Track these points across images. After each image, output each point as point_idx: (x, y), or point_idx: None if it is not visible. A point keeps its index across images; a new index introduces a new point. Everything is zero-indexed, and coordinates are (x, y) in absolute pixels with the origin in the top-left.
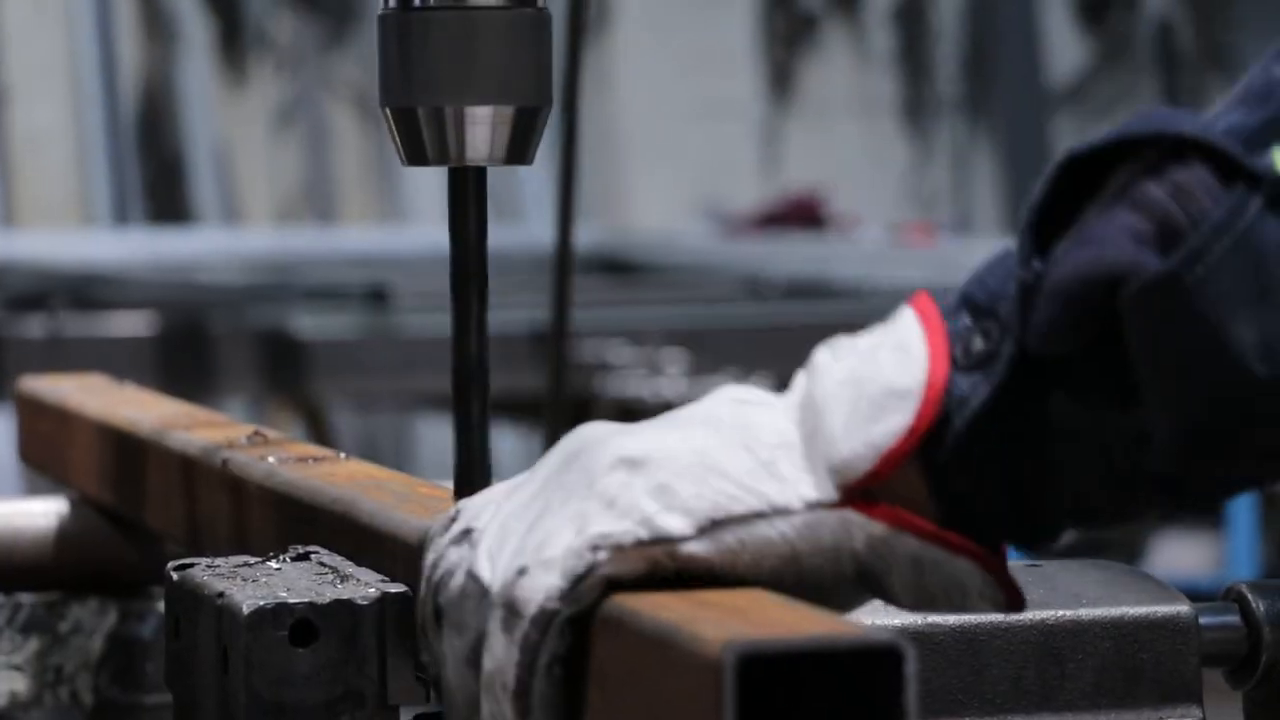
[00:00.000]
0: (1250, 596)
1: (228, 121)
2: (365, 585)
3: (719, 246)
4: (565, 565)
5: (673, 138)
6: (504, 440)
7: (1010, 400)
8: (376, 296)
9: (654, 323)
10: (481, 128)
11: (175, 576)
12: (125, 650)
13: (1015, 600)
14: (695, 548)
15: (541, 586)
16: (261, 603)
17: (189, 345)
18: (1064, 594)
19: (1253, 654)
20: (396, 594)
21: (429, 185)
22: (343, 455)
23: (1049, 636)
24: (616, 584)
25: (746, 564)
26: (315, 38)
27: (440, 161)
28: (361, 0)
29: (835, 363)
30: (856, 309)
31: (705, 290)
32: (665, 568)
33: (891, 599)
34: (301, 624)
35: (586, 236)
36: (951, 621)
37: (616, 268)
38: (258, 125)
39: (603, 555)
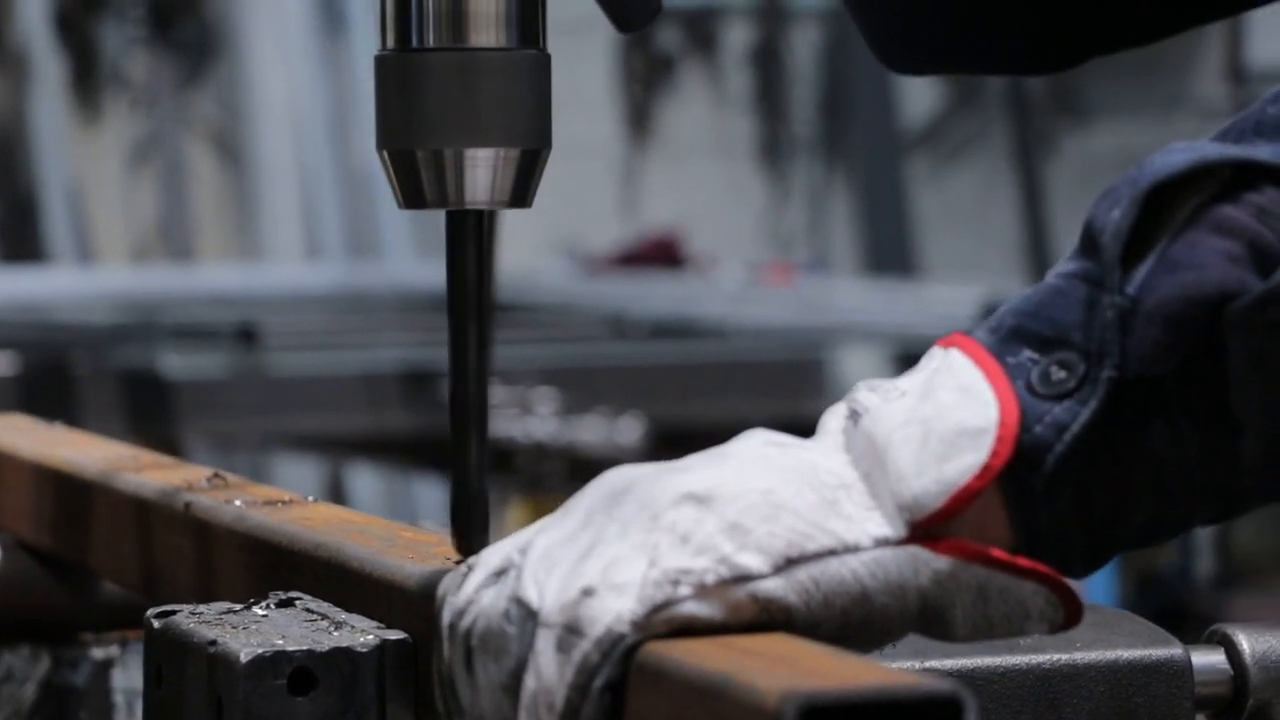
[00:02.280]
0: (1235, 638)
1: (82, 159)
2: (362, 632)
3: (580, 286)
4: (643, 593)
5: None
6: (364, 479)
7: (1106, 424)
8: (245, 336)
9: (523, 362)
10: (482, 170)
11: (157, 624)
12: (58, 698)
13: (1073, 617)
14: (774, 587)
15: (612, 608)
16: (260, 651)
17: (52, 385)
18: (1057, 638)
19: (1238, 697)
20: (396, 641)
21: (288, 223)
22: (310, 498)
23: (1045, 681)
24: (688, 627)
25: (819, 604)
26: (171, 75)
27: (439, 204)
28: (218, 38)
29: (887, 404)
30: (721, 348)
31: (570, 330)
32: (745, 610)
33: (948, 633)
34: (300, 672)
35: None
36: (947, 665)
37: None
38: (113, 163)
39: (685, 590)
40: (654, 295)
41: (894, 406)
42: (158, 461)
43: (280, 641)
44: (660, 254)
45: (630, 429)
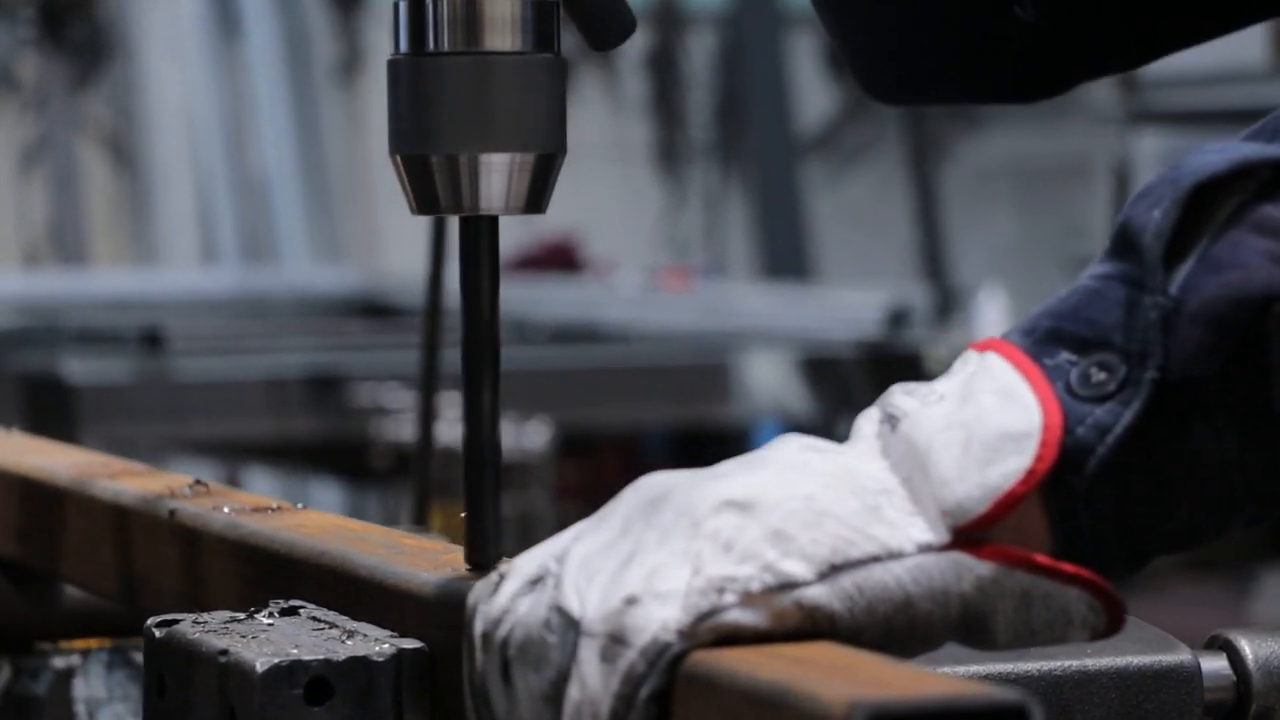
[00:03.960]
0: (1238, 643)
1: None
2: (377, 641)
3: None
4: (688, 601)
5: None
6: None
7: (1148, 425)
8: (150, 340)
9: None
10: (497, 176)
11: (159, 633)
12: (18, 708)
13: (1116, 624)
14: (818, 594)
15: (657, 618)
16: (276, 660)
17: None
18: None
19: (1241, 702)
20: (413, 650)
21: (183, 227)
22: (299, 505)
23: (1057, 688)
24: (733, 635)
25: (863, 610)
26: (63, 77)
27: (453, 210)
28: (110, 39)
29: (926, 408)
30: (626, 353)
31: None
32: (790, 617)
33: (989, 640)
34: (316, 682)
35: (344, 279)
36: (959, 671)
37: (377, 310)
38: (3, 166)
39: (730, 598)
40: (554, 300)
41: (933, 411)
42: (129, 469)
43: (295, 651)
44: (557, 258)
45: (537, 433)
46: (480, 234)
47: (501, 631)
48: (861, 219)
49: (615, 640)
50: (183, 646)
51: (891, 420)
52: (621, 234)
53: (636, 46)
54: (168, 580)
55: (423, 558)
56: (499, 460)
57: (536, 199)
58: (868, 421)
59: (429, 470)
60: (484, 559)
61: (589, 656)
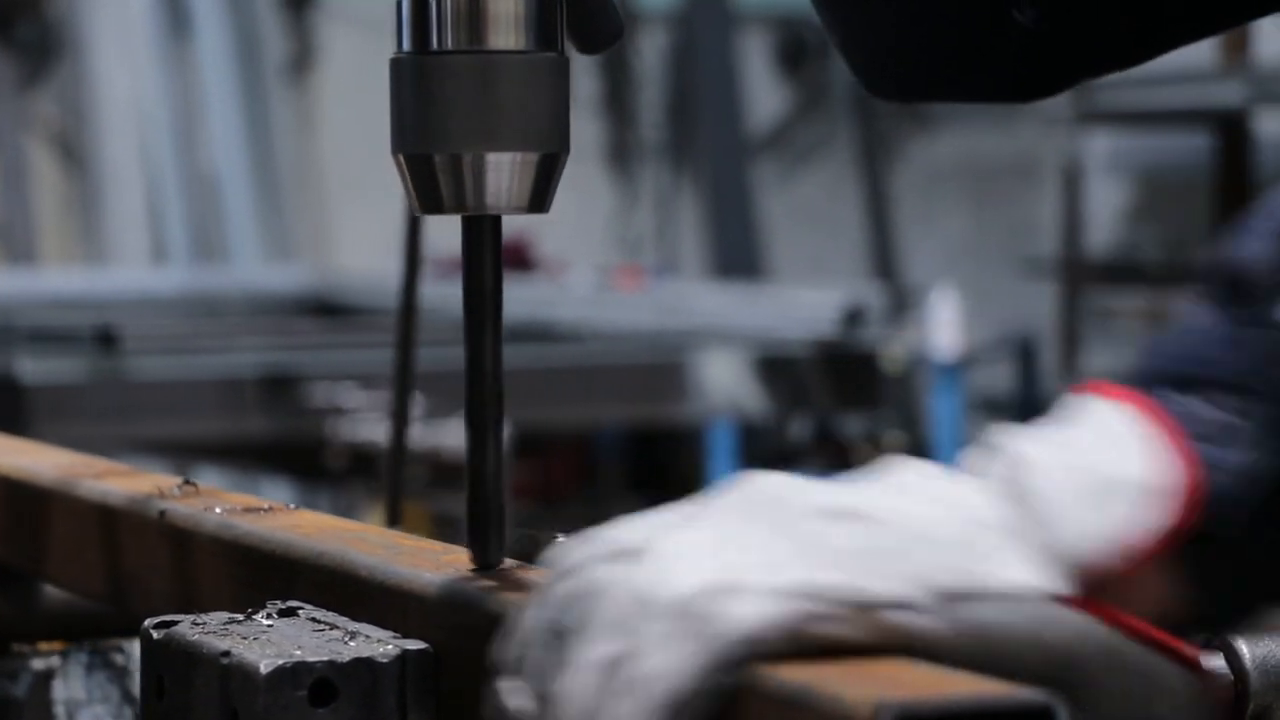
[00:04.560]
0: (1235, 644)
1: None
2: (380, 642)
3: (430, 289)
4: (787, 602)
5: (378, 178)
6: (213, 482)
7: None
8: (104, 340)
9: (382, 366)
10: (501, 175)
11: (157, 635)
12: None
13: (1206, 697)
14: (918, 618)
15: (752, 612)
16: (280, 662)
17: None
18: None
19: (1239, 702)
20: (417, 651)
21: (134, 226)
22: (292, 505)
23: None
24: (826, 645)
25: (959, 642)
26: (12, 75)
27: (457, 209)
28: (60, 38)
29: (1041, 450)
30: (581, 352)
31: (426, 334)
32: (887, 636)
33: (1078, 696)
34: (321, 683)
35: (295, 278)
36: None
37: (330, 309)
38: None
39: (829, 608)
40: (507, 299)
41: (1048, 453)
42: (113, 469)
43: (298, 652)
44: (509, 257)
45: None
46: (484, 233)
47: (569, 592)
48: (812, 218)
49: (702, 624)
50: (182, 648)
51: (1005, 460)
52: (573, 233)
53: None
54: (157, 581)
55: (423, 558)
56: (502, 461)
57: (540, 198)
58: (981, 458)
59: (401, 471)
60: (488, 559)
61: (669, 636)
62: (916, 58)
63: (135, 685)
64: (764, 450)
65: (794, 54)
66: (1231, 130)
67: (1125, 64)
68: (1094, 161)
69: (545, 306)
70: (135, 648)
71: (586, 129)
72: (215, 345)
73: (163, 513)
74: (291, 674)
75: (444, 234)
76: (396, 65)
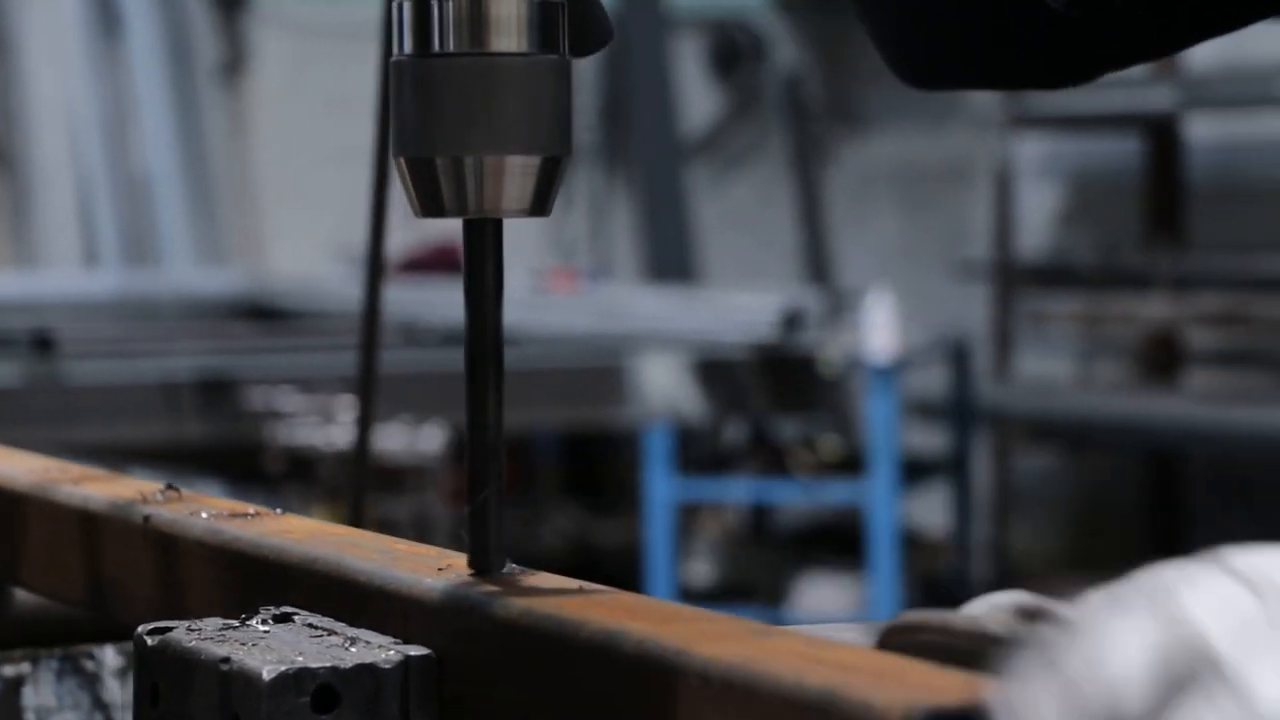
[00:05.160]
0: None
1: None
2: (382, 648)
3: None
4: None
5: (311, 182)
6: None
7: None
8: (41, 344)
9: (321, 370)
10: (503, 178)
11: (151, 641)
12: None
13: None
14: None
15: None
16: (283, 668)
17: None
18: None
19: None
20: (420, 657)
21: (64, 229)
22: (278, 510)
23: None
24: None
25: None
26: None
27: (458, 213)
28: None
29: None
30: (518, 356)
31: (359, 337)
32: None
33: None
34: (323, 690)
35: (229, 281)
36: None
37: (264, 313)
38: None
39: None
40: (443, 302)
41: None
42: (88, 474)
43: (300, 658)
44: (444, 260)
45: (433, 437)
46: (485, 237)
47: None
48: (745, 221)
49: None
50: (179, 654)
51: None
52: (506, 235)
53: None
54: (141, 587)
55: (421, 563)
56: (502, 465)
57: (542, 201)
58: None
59: (366, 473)
60: (488, 564)
61: None
62: (947, 44)
63: (106, 692)
64: (699, 454)
65: (727, 57)
66: (1162, 135)
67: (1155, 54)
68: (1026, 165)
69: None
70: (107, 654)
71: None
72: (152, 349)
73: (147, 518)
74: (294, 680)
75: (391, 239)
76: (397, 68)
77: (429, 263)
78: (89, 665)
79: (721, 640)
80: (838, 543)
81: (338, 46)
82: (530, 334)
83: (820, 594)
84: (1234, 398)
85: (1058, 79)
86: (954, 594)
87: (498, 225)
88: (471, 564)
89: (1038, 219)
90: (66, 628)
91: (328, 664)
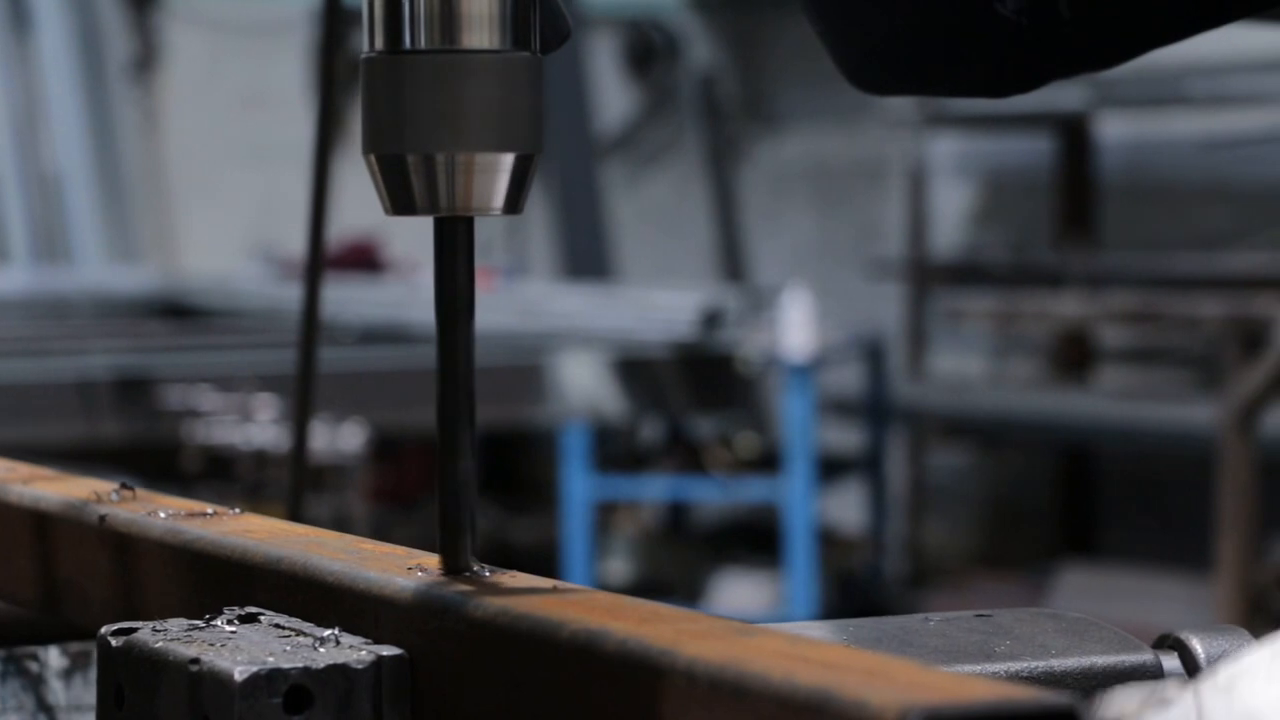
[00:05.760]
0: (1189, 642)
1: None
2: (354, 648)
3: (280, 290)
4: None
5: (224, 179)
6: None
7: None
8: None
9: (239, 368)
10: (475, 176)
11: (116, 642)
12: None
13: None
14: None
15: None
16: (255, 669)
17: None
18: (1030, 645)
19: None
20: (392, 657)
21: None
22: (235, 510)
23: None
24: None
25: None
26: None
27: (429, 211)
28: None
29: None
30: (433, 354)
31: (281, 335)
32: None
33: None
34: (295, 690)
35: (141, 279)
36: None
37: (178, 311)
38: None
39: None
40: (359, 300)
41: None
42: (40, 473)
43: (271, 659)
44: (358, 259)
45: (353, 435)
46: (457, 235)
47: None
48: (660, 219)
49: None
50: (145, 655)
51: None
52: (421, 234)
53: None
54: (97, 588)
55: (390, 563)
56: (473, 465)
57: (514, 200)
58: None
59: (303, 472)
60: (459, 564)
61: None
62: (900, 51)
63: (51, 694)
64: (617, 453)
65: (642, 56)
66: (1073, 133)
67: (1101, 64)
68: (939, 164)
69: (398, 308)
70: (51, 655)
71: None
72: (66, 347)
73: (103, 518)
74: (267, 681)
75: (298, 237)
76: (368, 65)
77: (343, 261)
78: (33, 667)
79: (705, 639)
80: (754, 540)
81: (251, 43)
82: None
83: (737, 591)
84: (1144, 395)
85: (1007, 86)
86: (870, 591)
87: (469, 224)
88: (443, 564)
89: (951, 218)
90: (10, 629)
91: (300, 664)
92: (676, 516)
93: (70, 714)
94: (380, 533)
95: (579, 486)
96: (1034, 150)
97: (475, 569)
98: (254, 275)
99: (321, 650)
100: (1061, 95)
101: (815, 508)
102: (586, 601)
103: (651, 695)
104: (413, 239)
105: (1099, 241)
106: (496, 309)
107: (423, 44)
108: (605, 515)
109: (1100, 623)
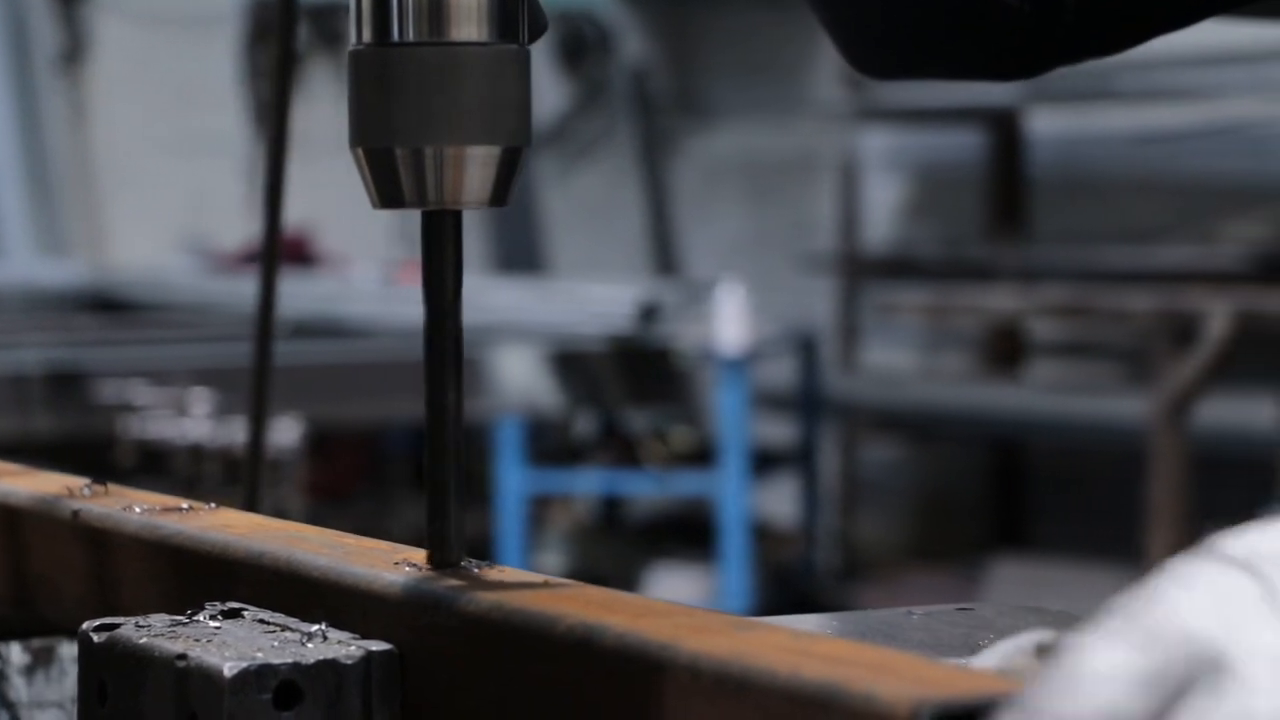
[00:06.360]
0: None
1: None
2: (343, 644)
3: (211, 284)
4: None
5: (153, 171)
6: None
7: None
8: None
9: (172, 363)
10: (463, 169)
11: (98, 638)
12: None
13: None
14: None
15: None
16: (244, 664)
17: None
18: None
19: None
20: (382, 652)
21: None
22: (211, 505)
23: None
24: None
25: None
26: None
27: (418, 204)
28: None
29: None
30: (372, 348)
31: (212, 329)
32: None
33: None
34: (285, 686)
35: (71, 273)
36: None
37: (108, 305)
38: None
39: None
40: (292, 294)
41: None
42: (7, 468)
43: (260, 655)
44: (289, 252)
45: (288, 430)
46: (445, 229)
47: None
48: (593, 213)
49: None
50: (129, 651)
51: None
52: (353, 227)
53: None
54: (70, 584)
55: (376, 558)
56: (462, 459)
57: (502, 193)
58: None
59: (259, 469)
60: (448, 558)
61: None
62: (903, 35)
63: (12, 690)
64: (551, 446)
65: (573, 49)
66: (1005, 128)
67: (1109, 49)
68: (870, 158)
69: (331, 302)
70: (13, 651)
71: None
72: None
73: (76, 513)
74: (256, 676)
75: (229, 231)
76: (355, 57)
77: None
78: None
79: (704, 634)
80: (688, 534)
81: (180, 35)
82: (383, 326)
83: (671, 584)
84: (1076, 388)
85: (1009, 71)
86: (803, 584)
87: (457, 217)
88: (431, 558)
89: (883, 211)
90: None
91: (289, 660)
92: (610, 510)
93: (32, 711)
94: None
95: (513, 480)
96: (966, 144)
97: (464, 564)
98: (184, 269)
99: (310, 646)
100: (993, 90)
101: (748, 501)
102: (580, 596)
103: (652, 690)
104: (344, 233)
105: (1030, 235)
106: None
107: (411, 36)
108: (539, 509)
109: (1080, 615)
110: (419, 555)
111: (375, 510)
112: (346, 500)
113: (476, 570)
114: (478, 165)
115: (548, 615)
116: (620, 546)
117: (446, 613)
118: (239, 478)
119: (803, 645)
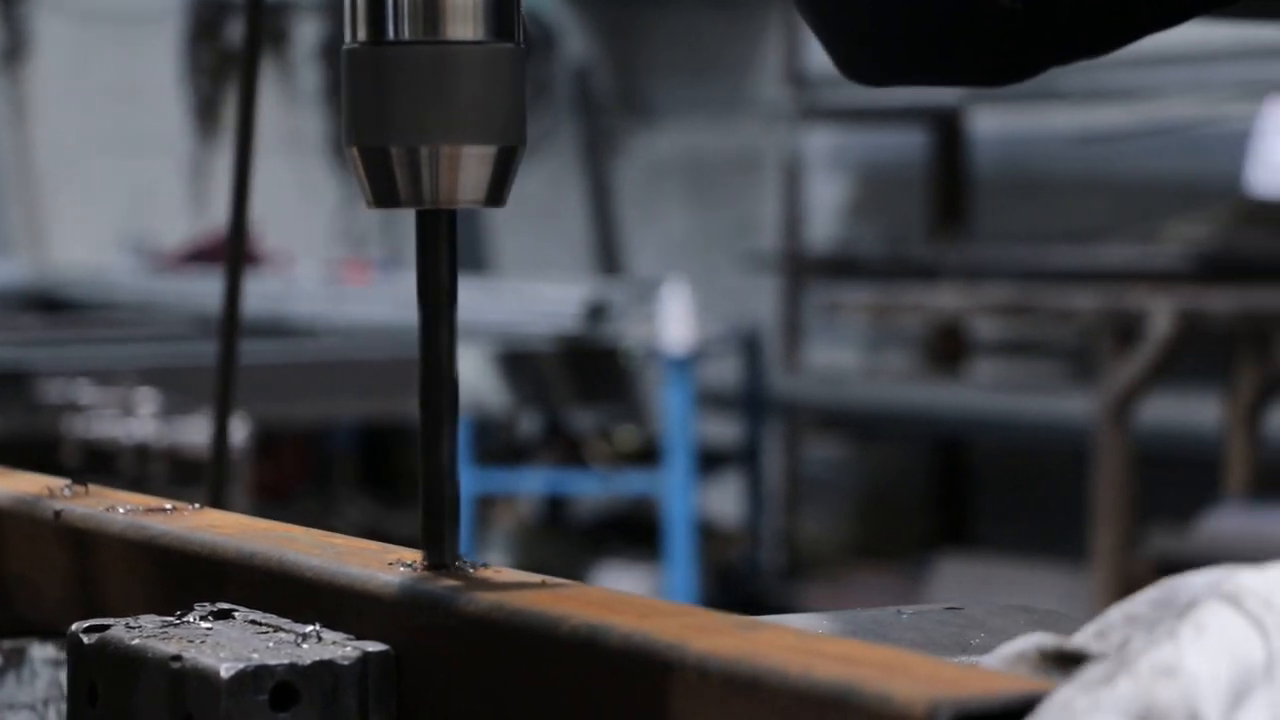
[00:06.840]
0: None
1: None
2: (338, 644)
3: (154, 283)
4: None
5: (94, 170)
6: None
7: None
8: None
9: (118, 362)
10: (458, 168)
11: (89, 639)
12: None
13: None
14: None
15: None
16: (241, 666)
17: None
18: (1004, 637)
19: None
20: (378, 653)
21: None
22: (195, 505)
23: None
24: None
25: None
26: None
27: (413, 203)
28: None
29: None
30: (318, 347)
31: (158, 329)
32: None
33: None
34: (282, 687)
35: (12, 272)
36: None
37: (50, 304)
38: None
39: None
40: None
41: None
42: None
43: (256, 656)
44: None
45: (236, 429)
46: (439, 227)
47: None
48: (536, 213)
49: None
50: (121, 652)
51: None
52: (296, 226)
53: (311, 37)
54: (52, 584)
55: (369, 558)
56: (456, 460)
57: (497, 192)
58: None
59: (224, 468)
60: (442, 558)
61: None
62: (894, 40)
63: None
64: (496, 446)
65: None
66: (947, 128)
67: (1101, 49)
68: (814, 157)
69: (276, 301)
70: None
71: (309, 122)
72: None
73: (58, 513)
74: (253, 677)
75: (170, 230)
76: (350, 56)
77: (216, 252)
78: None
79: (711, 633)
80: (634, 533)
81: (121, 33)
82: (327, 325)
83: (617, 584)
84: (1019, 387)
85: (1002, 74)
86: (748, 583)
87: (452, 216)
88: (426, 558)
89: (826, 211)
90: None
91: (285, 661)
92: (555, 509)
93: (3, 712)
94: None
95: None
96: (909, 144)
97: (459, 564)
98: (127, 268)
99: (305, 646)
100: (935, 90)
101: (694, 500)
102: (581, 596)
103: (659, 691)
104: (287, 232)
105: (974, 235)
106: (374, 301)
107: (406, 35)
108: (484, 508)
109: (1069, 615)
110: (412, 555)
111: (319, 509)
112: (290, 500)
113: (472, 570)
114: (473, 164)
115: (551, 615)
116: (565, 546)
117: (445, 613)
118: (186, 478)
119: (812, 645)
